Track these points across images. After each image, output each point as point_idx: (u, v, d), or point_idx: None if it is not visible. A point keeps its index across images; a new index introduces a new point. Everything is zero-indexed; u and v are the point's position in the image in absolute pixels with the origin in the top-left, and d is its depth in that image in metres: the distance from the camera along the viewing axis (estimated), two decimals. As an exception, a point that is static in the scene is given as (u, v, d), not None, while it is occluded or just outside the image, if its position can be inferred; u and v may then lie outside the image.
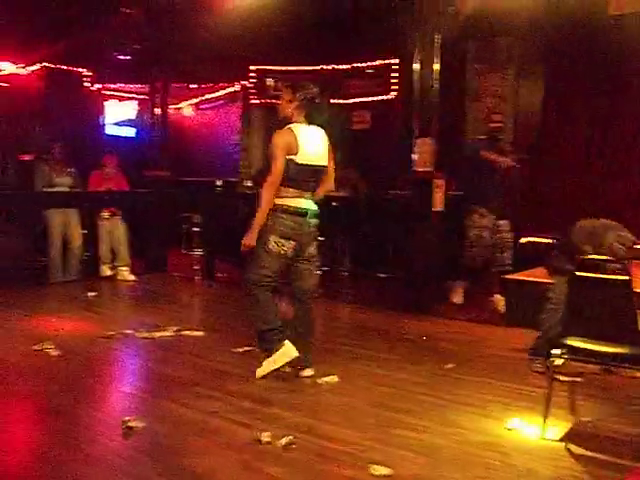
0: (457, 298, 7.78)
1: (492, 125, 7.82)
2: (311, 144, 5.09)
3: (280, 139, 5.01)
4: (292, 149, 4.98)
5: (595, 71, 9.24)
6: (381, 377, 5.32)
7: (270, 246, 5.04)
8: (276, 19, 10.63)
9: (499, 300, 7.49)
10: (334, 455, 3.82)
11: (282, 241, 5.04)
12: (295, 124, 5.08)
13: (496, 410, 4.60)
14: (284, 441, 3.92)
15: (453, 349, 6.26)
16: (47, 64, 11.73)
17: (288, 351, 5.10)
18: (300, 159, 4.99)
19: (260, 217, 5.02)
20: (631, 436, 4.15)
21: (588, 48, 9.35)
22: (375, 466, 3.63)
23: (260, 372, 5.17)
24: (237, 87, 12.22)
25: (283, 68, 11.71)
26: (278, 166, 4.96)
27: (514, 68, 10.10)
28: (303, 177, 5.05)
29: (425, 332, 6.89)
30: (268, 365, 5.14)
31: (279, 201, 5.04)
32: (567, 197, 9.00)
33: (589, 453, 3.94)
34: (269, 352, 5.13)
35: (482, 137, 7.92)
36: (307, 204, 5.11)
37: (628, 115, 9.03)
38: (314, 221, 5.18)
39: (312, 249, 5.24)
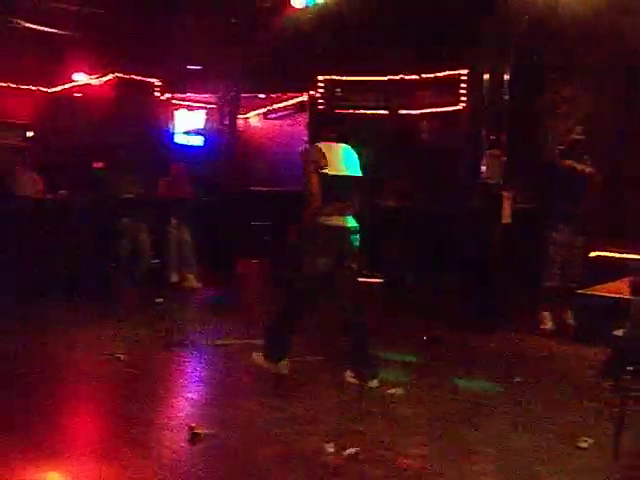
0: (547, 325, 7.48)
1: (574, 137, 7.58)
2: (339, 156, 5.23)
3: (307, 156, 5.22)
4: (321, 163, 5.10)
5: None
6: (449, 390, 5.25)
7: (305, 261, 5.18)
8: (344, 30, 10.65)
9: (567, 315, 7.31)
10: (400, 468, 3.77)
11: (316, 259, 5.14)
12: (322, 143, 5.27)
13: (566, 427, 4.50)
14: (349, 452, 3.89)
15: (522, 364, 6.15)
16: (119, 74, 11.97)
17: (279, 370, 5.32)
18: (331, 170, 5.11)
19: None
20: None
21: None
22: (442, 480, 3.58)
23: (253, 359, 5.44)
24: (305, 97, 12.26)
25: (351, 78, 11.71)
26: (313, 184, 5.08)
27: (590, 78, 9.87)
28: (338, 189, 5.14)
29: (493, 346, 6.80)
30: (261, 362, 5.38)
31: (319, 219, 5.11)
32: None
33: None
34: (269, 357, 5.32)
35: (561, 147, 7.69)
36: (344, 221, 5.20)
37: None
38: (352, 237, 5.25)
39: (350, 262, 5.28)
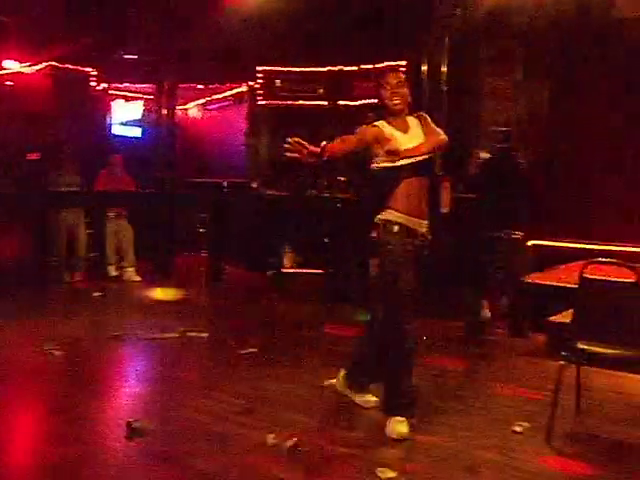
0: (484, 312, 7.49)
1: (498, 128, 7.67)
2: None
3: None
4: None
5: (602, 72, 9.27)
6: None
7: None
8: (283, 21, 10.61)
9: (503, 303, 7.36)
10: (340, 457, 3.79)
11: None
12: None
13: (503, 414, 4.56)
14: (290, 443, 3.89)
15: (462, 350, 6.21)
16: (54, 63, 11.70)
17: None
18: None
19: None
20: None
21: (594, 50, 9.38)
22: (381, 469, 3.60)
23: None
24: (244, 88, 12.18)
25: (290, 69, 11.68)
26: None
27: (523, 69, 10.05)
28: None
29: (434, 332, 6.86)
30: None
31: None
32: (580, 202, 8.97)
33: (596, 456, 3.90)
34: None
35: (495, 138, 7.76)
36: None
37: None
38: None
39: None
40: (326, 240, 8.81)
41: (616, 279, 4.00)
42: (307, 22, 10.53)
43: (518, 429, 4.24)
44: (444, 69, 7.76)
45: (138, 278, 9.49)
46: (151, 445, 3.92)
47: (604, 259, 4.11)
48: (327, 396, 4.87)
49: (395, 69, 4.43)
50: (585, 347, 3.98)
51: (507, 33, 9.79)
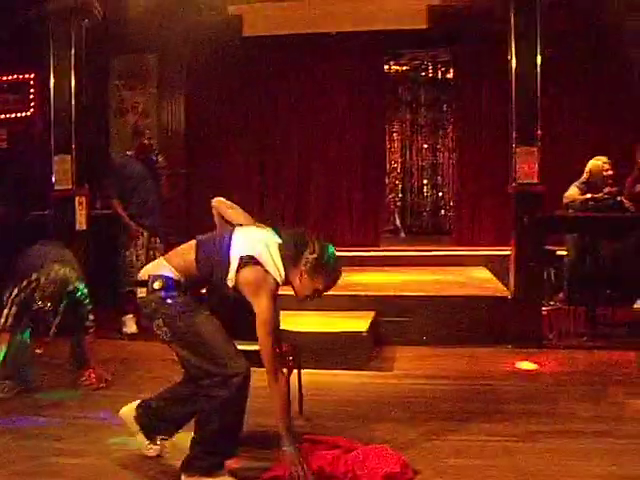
0: (131, 328, 7.33)
1: (144, 141, 7.67)
2: None
3: None
4: None
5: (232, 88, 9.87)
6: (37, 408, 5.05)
7: None
8: None
9: (130, 320, 7.37)
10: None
11: None
12: None
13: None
14: None
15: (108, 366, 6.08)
16: None
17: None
18: None
19: None
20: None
21: (223, 66, 9.94)
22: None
23: None
24: None
25: None
26: None
27: (156, 84, 10.30)
28: None
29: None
30: None
31: None
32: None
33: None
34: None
35: (130, 153, 7.71)
36: None
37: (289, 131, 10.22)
38: None
39: None
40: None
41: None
42: None
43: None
44: (72, 82, 7.56)
45: None
46: None
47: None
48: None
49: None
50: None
51: (140, 46, 9.95)
